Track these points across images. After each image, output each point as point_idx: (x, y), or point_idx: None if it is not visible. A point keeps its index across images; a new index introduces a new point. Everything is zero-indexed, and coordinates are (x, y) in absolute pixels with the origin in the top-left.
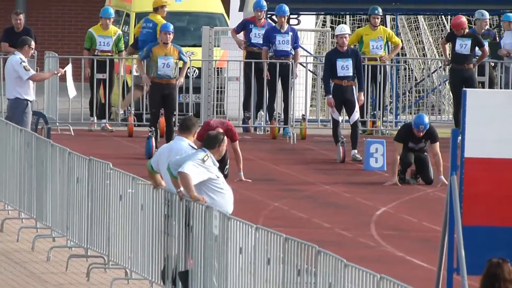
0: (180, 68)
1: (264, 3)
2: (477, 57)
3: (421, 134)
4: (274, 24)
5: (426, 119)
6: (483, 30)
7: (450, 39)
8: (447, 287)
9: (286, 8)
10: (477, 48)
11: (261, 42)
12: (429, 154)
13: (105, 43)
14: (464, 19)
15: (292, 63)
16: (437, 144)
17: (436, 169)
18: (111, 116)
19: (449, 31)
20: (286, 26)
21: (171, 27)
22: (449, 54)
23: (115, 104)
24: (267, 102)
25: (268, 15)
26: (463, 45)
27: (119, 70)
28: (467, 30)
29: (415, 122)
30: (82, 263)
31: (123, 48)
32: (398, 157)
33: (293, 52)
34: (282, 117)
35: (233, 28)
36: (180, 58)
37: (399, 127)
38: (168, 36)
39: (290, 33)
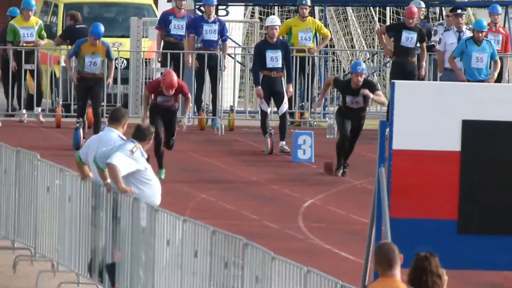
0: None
1: None
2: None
3: (360, 78)
4: (201, 14)
5: (363, 64)
6: (418, 20)
7: (393, 30)
8: (374, 279)
9: None
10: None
11: (181, 33)
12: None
13: (29, 34)
14: (415, 8)
15: (220, 55)
16: (379, 91)
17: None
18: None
19: (389, 23)
20: (213, 16)
21: (102, 31)
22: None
23: (45, 95)
24: (195, 93)
25: (197, 6)
26: (409, 38)
27: (47, 60)
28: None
29: (353, 66)
30: (8, 256)
31: (45, 36)
32: (331, 82)
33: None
34: (210, 108)
35: (155, 26)
36: (107, 55)
37: (327, 117)
38: (98, 41)
39: (217, 23)
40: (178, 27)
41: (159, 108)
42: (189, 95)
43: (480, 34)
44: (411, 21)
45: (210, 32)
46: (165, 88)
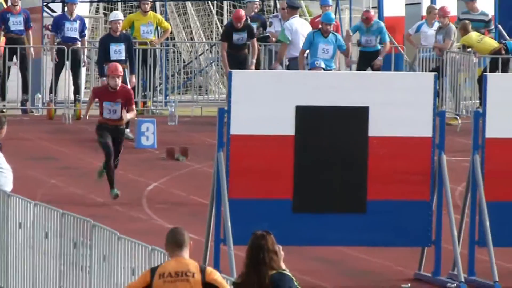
0: None
1: None
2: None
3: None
4: (63, 12)
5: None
6: (253, 13)
7: (227, 37)
8: (215, 257)
9: None
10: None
11: (20, 28)
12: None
13: None
14: (243, 12)
15: (80, 50)
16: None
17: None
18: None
19: (226, 16)
20: (75, 14)
21: None
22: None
23: None
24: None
25: (45, 3)
26: (240, 38)
27: None
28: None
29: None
30: None
31: None
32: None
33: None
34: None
35: None
36: None
37: (168, 106)
38: None
39: (78, 21)
40: (16, 23)
41: (106, 127)
42: (134, 107)
43: (328, 27)
44: (239, 24)
45: (71, 30)
46: (111, 75)
